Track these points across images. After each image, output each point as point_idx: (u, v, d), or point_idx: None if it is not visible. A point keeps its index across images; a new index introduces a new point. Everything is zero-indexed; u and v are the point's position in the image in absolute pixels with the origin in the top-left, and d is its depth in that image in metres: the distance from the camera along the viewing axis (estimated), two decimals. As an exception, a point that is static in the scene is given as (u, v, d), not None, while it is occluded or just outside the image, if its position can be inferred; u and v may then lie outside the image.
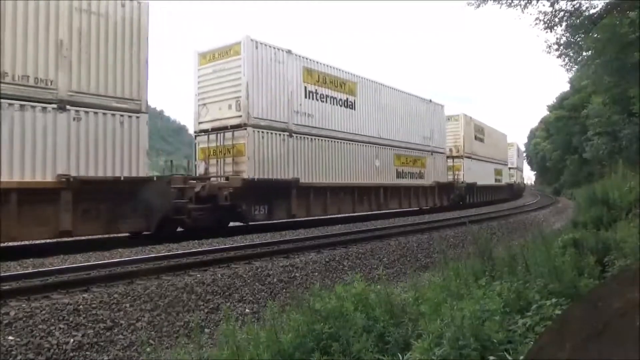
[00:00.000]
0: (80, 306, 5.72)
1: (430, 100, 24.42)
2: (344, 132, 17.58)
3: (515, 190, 43.80)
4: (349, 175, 17.71)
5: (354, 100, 18.36)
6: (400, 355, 3.08)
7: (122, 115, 10.46)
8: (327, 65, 17.12)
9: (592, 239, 5.37)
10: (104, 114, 10.18)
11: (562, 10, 13.64)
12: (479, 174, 30.33)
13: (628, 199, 8.81)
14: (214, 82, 14.51)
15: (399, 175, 21.33)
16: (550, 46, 15.28)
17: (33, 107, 9.14)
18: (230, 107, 13.99)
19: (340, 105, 17.60)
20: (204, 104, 14.65)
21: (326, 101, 16.91)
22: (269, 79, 14.48)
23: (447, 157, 26.50)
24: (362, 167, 18.55)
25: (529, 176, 58.25)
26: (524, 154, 69.67)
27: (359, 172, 18.29)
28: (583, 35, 14.51)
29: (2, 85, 8.67)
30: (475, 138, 30.50)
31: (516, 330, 3.05)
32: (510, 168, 44.29)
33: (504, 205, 29.03)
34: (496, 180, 36.06)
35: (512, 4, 13.13)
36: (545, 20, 13.81)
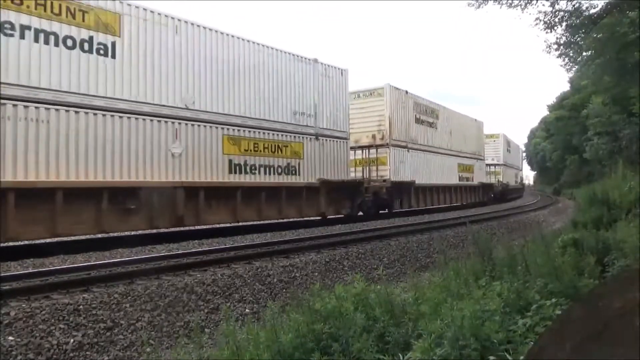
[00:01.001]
0: (80, 306, 5.72)
1: (317, 61, 16.20)
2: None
3: (499, 193, 35.49)
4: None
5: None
6: (400, 356, 3.08)
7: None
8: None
9: (592, 239, 5.37)
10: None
11: (562, 10, 13.65)
12: (424, 170, 22.84)
13: (628, 199, 8.82)
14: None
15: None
16: (550, 46, 15.30)
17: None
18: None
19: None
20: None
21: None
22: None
23: (366, 146, 20.14)
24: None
25: (527, 175, 49.77)
26: (523, 152, 62.35)
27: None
28: (583, 35, 14.52)
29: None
30: (418, 121, 22.67)
31: (516, 331, 3.05)
32: (493, 165, 37.28)
33: (504, 206, 28.97)
34: (463, 179, 27.97)
35: (513, 4, 13.15)
36: (545, 20, 13.83)
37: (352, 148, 18.94)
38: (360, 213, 18.35)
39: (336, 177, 16.62)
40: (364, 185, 18.34)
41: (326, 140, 16.36)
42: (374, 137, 20.15)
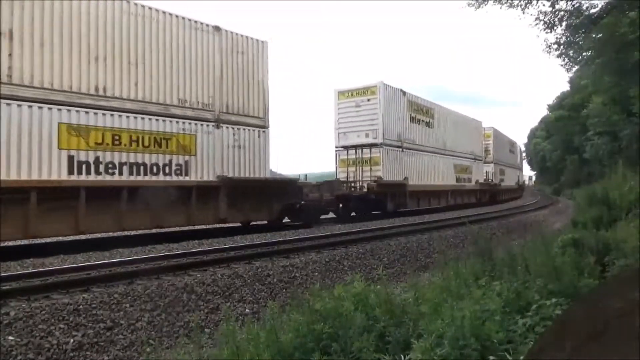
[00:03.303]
0: (80, 306, 5.72)
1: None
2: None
3: (491, 194, 32.18)
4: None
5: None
6: (402, 356, 3.08)
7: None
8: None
9: (592, 239, 5.37)
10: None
11: (562, 10, 13.66)
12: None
13: (628, 199, 8.82)
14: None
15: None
16: (550, 46, 15.31)
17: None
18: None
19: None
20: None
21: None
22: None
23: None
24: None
25: (528, 176, 47.94)
26: (523, 152, 58.72)
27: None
28: (583, 35, 14.53)
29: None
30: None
31: (516, 331, 3.05)
32: (489, 163, 33.79)
33: (504, 206, 28.98)
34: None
35: (513, 4, 13.16)
36: (545, 20, 13.84)
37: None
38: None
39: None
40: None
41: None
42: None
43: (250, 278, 7.68)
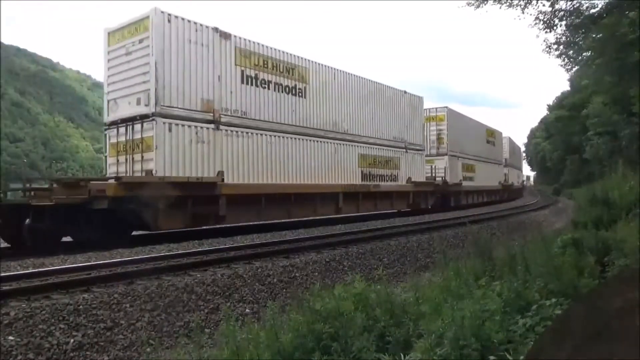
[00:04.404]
0: (80, 306, 5.72)
1: None
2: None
3: (439, 196, 24.40)
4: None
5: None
6: (402, 356, 3.08)
7: None
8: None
9: (592, 239, 5.38)
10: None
11: (562, 10, 13.66)
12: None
13: (628, 199, 8.81)
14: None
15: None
16: (550, 46, 15.30)
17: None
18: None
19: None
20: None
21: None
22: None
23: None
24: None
25: (518, 174, 48.35)
26: (512, 143, 50.94)
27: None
28: (583, 35, 14.53)
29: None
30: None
31: (516, 331, 3.05)
32: (443, 155, 26.14)
33: (504, 206, 28.97)
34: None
35: (513, 4, 13.15)
36: (545, 20, 13.83)
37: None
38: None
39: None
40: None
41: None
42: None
43: (250, 278, 7.68)
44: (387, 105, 20.58)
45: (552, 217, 21.67)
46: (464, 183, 27.77)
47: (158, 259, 8.42)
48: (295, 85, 15.61)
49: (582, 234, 5.93)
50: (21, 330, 5.07)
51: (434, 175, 24.36)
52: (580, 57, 16.85)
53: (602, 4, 13.48)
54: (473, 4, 13.31)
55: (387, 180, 20.10)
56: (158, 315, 6.09)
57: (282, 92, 15.11)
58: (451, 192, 25.85)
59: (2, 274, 6.72)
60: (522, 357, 2.54)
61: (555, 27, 14.19)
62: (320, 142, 16.60)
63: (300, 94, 15.81)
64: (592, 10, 13.60)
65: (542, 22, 13.93)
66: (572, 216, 11.90)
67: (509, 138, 43.53)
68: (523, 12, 13.46)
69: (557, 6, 13.54)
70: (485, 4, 13.20)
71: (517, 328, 3.07)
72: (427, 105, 25.28)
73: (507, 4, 13.13)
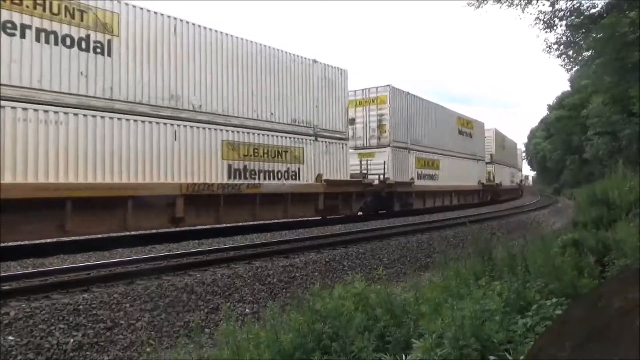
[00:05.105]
0: (80, 306, 5.72)
1: None
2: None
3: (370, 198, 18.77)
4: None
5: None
6: (403, 355, 3.08)
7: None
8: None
9: (592, 239, 5.38)
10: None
11: (562, 10, 13.66)
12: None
13: (628, 199, 8.80)
14: None
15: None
16: (550, 46, 15.30)
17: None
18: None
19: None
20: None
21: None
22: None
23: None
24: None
25: (513, 173, 44.37)
26: (503, 136, 49.82)
27: None
28: (583, 35, 14.52)
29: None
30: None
31: (516, 330, 3.05)
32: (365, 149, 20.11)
33: (502, 206, 28.97)
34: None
35: (513, 4, 13.16)
36: (545, 19, 13.84)
37: None
38: None
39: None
40: None
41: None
42: None
43: (250, 278, 7.69)
44: (284, 77, 14.71)
45: (552, 217, 21.68)
46: (421, 182, 22.01)
47: (158, 259, 8.42)
48: (89, 36, 9.94)
49: (582, 234, 5.93)
50: (21, 330, 5.07)
51: (366, 171, 18.48)
52: (580, 57, 16.84)
53: (602, 3, 13.49)
54: (473, 4, 13.32)
55: (279, 178, 14.26)
56: (158, 315, 6.10)
57: (64, 45, 9.54)
58: (395, 193, 19.88)
59: (2, 274, 6.72)
60: (522, 357, 2.54)
61: (555, 27, 14.20)
62: (142, 122, 10.84)
63: (98, 50, 10.12)
64: (592, 10, 13.61)
65: (542, 22, 13.94)
66: (572, 216, 11.90)
67: (496, 130, 35.69)
68: (523, 12, 13.48)
69: (557, 6, 13.56)
70: (485, 4, 13.21)
71: (517, 328, 3.07)
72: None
73: (507, 3, 13.14)
